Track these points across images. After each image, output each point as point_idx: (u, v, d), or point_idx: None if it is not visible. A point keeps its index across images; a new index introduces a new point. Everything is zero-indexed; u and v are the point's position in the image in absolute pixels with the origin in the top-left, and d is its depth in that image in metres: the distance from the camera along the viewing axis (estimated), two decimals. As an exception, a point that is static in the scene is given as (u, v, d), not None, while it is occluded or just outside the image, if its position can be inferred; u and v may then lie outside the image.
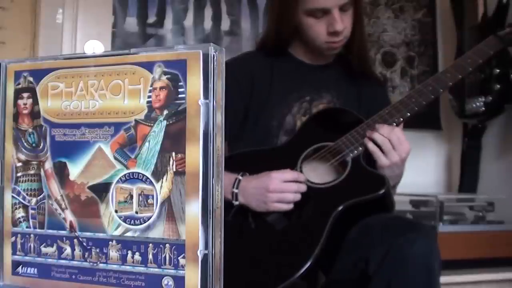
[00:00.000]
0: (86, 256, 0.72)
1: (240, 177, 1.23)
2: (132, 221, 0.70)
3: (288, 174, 1.22)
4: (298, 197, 1.20)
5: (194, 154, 0.66)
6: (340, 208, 1.17)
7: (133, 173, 0.70)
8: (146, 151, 0.69)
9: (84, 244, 0.72)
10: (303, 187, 1.21)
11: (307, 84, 1.41)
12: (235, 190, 1.22)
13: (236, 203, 1.22)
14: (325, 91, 1.41)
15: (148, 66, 0.69)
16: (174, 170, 0.67)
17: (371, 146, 1.24)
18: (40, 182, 0.75)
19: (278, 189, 1.19)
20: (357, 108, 1.39)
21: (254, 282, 1.15)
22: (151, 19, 2.08)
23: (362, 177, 1.23)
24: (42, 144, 0.75)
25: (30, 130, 0.76)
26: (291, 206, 1.20)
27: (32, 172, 0.76)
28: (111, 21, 2.02)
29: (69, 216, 0.73)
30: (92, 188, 0.72)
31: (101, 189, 0.71)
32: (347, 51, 1.41)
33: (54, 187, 0.74)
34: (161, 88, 0.68)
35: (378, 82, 1.55)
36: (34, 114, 0.76)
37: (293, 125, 1.38)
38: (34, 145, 0.76)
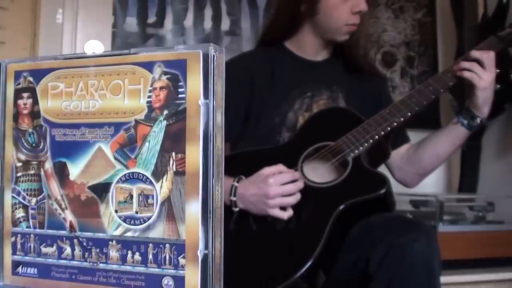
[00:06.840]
0: (86, 256, 0.72)
1: (236, 184, 1.22)
2: (132, 221, 0.70)
3: (284, 176, 1.21)
4: (298, 197, 1.20)
5: (194, 154, 0.66)
6: (341, 207, 1.17)
7: (133, 173, 0.70)
8: (146, 151, 0.69)
9: (84, 244, 0.72)
10: (301, 185, 1.21)
11: (308, 80, 1.40)
12: (233, 198, 1.21)
13: (236, 209, 1.22)
14: (325, 87, 1.40)
15: (148, 66, 0.69)
16: (174, 170, 0.67)
17: (467, 73, 1.30)
18: (40, 182, 0.75)
19: (278, 194, 1.19)
20: (361, 102, 1.39)
21: (255, 282, 1.15)
22: (151, 19, 2.08)
23: (363, 177, 1.23)
24: (42, 144, 0.75)
25: (30, 130, 0.76)
26: (291, 212, 1.20)
27: (32, 172, 0.76)
28: (111, 21, 2.02)
29: (69, 216, 0.73)
30: (92, 188, 0.72)
31: (101, 189, 0.71)
32: (349, 41, 1.40)
33: (54, 187, 0.74)
34: (161, 88, 0.68)
35: (378, 74, 1.55)
36: (34, 114, 0.76)
37: (295, 121, 1.37)
38: (34, 145, 0.76)
